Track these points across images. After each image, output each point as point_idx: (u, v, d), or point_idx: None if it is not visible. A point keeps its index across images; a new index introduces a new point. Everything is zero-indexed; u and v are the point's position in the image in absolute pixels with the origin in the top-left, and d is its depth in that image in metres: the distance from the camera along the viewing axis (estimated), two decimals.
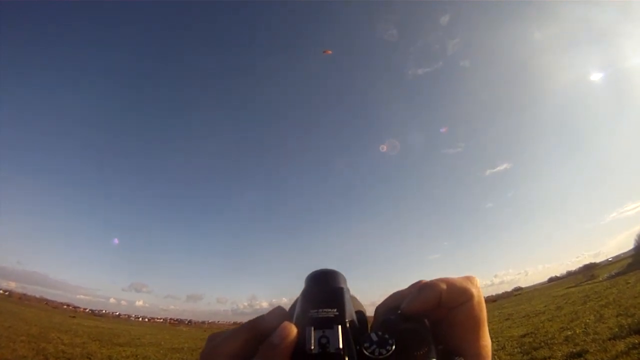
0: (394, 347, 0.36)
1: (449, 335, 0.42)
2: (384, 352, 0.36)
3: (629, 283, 18.13)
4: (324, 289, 0.44)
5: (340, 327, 0.37)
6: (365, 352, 0.36)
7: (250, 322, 0.40)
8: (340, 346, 0.35)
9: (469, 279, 0.43)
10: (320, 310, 0.40)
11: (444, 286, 0.41)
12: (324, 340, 0.36)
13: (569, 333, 9.65)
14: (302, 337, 0.36)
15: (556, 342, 9.05)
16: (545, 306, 20.13)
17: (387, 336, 0.37)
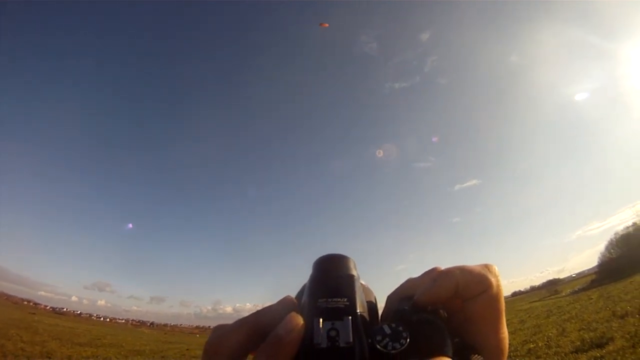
0: (408, 340, 0.33)
1: (466, 327, 0.40)
2: (397, 345, 0.33)
3: (591, 299, 18.53)
4: (333, 276, 0.40)
5: (351, 318, 0.34)
6: (377, 345, 0.33)
7: (257, 312, 0.37)
8: (351, 340, 0.32)
9: (487, 267, 0.40)
10: (329, 299, 0.36)
11: (460, 275, 0.38)
12: (333, 333, 0.33)
13: (532, 346, 9.74)
14: (309, 329, 0.33)
15: (519, 354, 9.13)
16: (508, 319, 20.25)
17: (400, 328, 0.34)
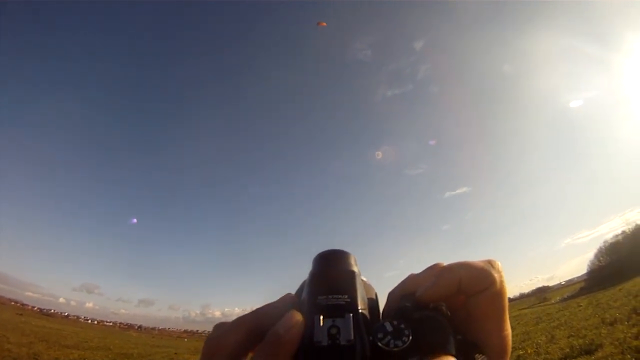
0: (410, 337, 0.32)
1: (469, 324, 0.39)
2: (399, 343, 0.32)
3: (580, 306, 18.64)
4: (334, 272, 0.39)
5: (352, 315, 0.33)
6: (379, 343, 0.32)
7: (256, 310, 0.37)
8: (352, 337, 0.32)
9: (490, 262, 0.39)
10: (330, 296, 0.35)
11: (463, 271, 0.37)
12: (334, 331, 0.32)
13: (521, 352, 9.74)
14: (309, 327, 0.32)
15: None
16: None
17: (402, 326, 0.33)
